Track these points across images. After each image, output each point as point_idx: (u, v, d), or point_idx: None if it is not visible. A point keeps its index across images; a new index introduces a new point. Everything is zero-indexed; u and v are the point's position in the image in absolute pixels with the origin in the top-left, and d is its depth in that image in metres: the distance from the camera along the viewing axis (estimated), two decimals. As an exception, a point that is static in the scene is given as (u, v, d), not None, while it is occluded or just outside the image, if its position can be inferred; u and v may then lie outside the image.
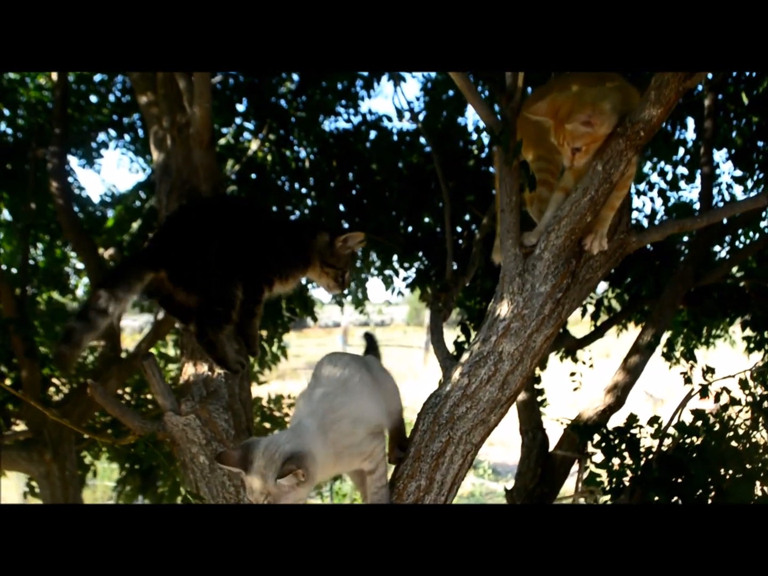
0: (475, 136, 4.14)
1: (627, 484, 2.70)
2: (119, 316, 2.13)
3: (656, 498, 2.54)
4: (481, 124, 4.02)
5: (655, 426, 2.75)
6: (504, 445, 12.32)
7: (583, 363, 4.24)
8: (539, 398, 3.71)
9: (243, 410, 1.97)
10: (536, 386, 3.74)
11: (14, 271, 4.26)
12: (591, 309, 4.25)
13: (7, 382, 4.09)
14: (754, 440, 2.62)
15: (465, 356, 1.85)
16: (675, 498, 2.54)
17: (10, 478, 9.69)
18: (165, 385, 1.87)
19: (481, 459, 11.87)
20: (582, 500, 3.05)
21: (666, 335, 4.27)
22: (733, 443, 2.59)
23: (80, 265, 5.03)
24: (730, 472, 2.53)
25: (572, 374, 4.07)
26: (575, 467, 3.18)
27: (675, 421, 2.70)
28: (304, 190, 4.46)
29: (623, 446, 2.79)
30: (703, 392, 2.76)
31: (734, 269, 4.11)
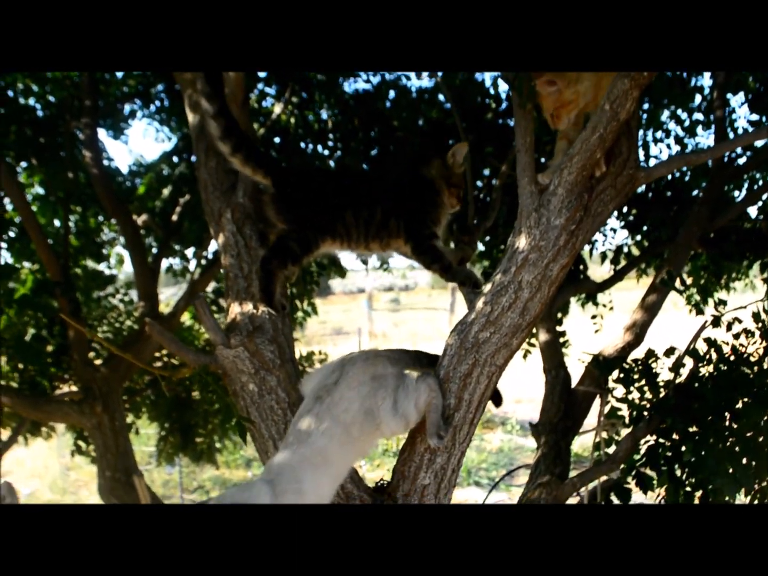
0: (492, 91, 4.26)
1: (646, 415, 2.86)
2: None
3: (672, 424, 2.70)
4: (498, 80, 4.14)
5: (672, 357, 2.91)
6: (531, 402, 12.49)
7: (604, 306, 4.40)
8: (561, 339, 3.88)
9: (286, 343, 2.17)
10: (558, 328, 3.91)
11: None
12: (611, 255, 4.39)
13: (50, 348, 4.34)
14: (765, 367, 2.77)
15: (487, 287, 2.02)
16: (690, 423, 2.70)
17: (51, 447, 10.05)
18: (215, 322, 2.07)
19: (509, 416, 12.08)
20: (604, 433, 3.21)
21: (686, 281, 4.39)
22: (746, 370, 2.74)
23: (112, 235, 5.23)
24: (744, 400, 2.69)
25: (593, 317, 4.23)
26: (597, 402, 3.34)
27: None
28: (326, 152, 4.60)
29: (642, 380, 2.95)
30: (716, 322, 2.90)
31: (752, 212, 4.21)
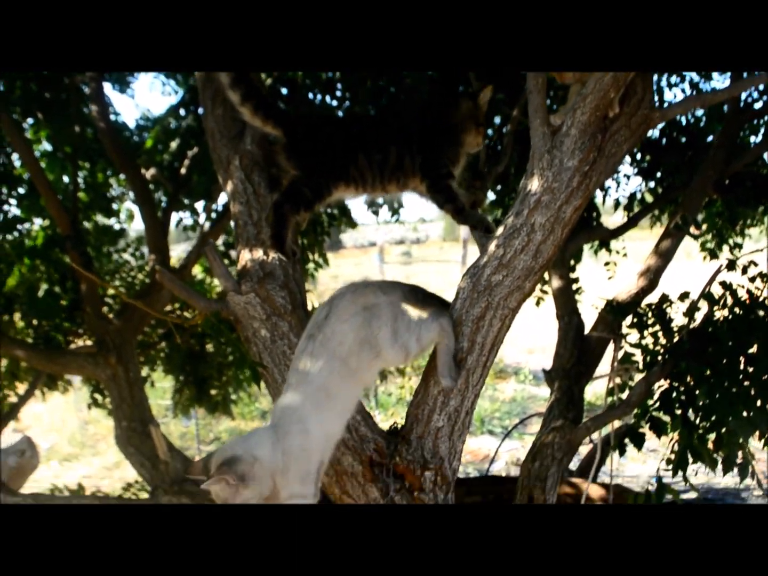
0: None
1: (659, 360, 2.86)
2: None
3: (686, 368, 2.70)
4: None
5: (686, 301, 2.90)
6: (544, 352, 12.53)
7: (617, 253, 4.37)
8: (574, 286, 3.86)
9: (297, 289, 2.17)
10: (571, 275, 3.89)
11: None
12: (624, 202, 4.35)
13: (63, 303, 4.37)
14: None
15: (500, 229, 2.00)
16: (705, 367, 2.70)
17: (69, 402, 10.18)
18: (225, 269, 2.06)
19: (522, 366, 12.13)
20: (617, 378, 3.21)
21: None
22: (761, 313, 2.72)
23: (121, 190, 5.21)
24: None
25: (606, 264, 4.21)
26: (610, 348, 3.33)
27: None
28: (335, 102, 4.54)
29: (656, 325, 2.94)
30: (731, 266, 2.88)
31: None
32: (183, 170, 4.50)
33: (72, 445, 9.82)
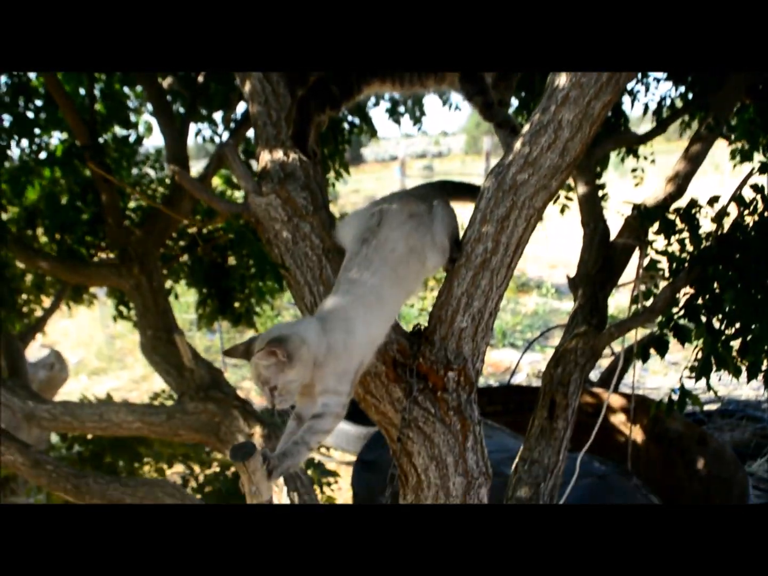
0: None
1: (686, 267, 2.82)
2: None
3: (713, 273, 2.66)
4: None
5: (715, 206, 2.84)
6: (567, 266, 12.49)
7: (645, 159, 4.27)
8: (600, 193, 3.79)
9: (319, 189, 2.13)
10: (597, 182, 3.81)
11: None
12: (653, 107, 4.22)
13: (85, 216, 4.37)
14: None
15: (526, 127, 1.94)
16: (732, 273, 2.66)
17: (95, 318, 10.33)
18: (245, 169, 2.03)
19: (545, 279, 12.13)
20: (642, 286, 3.18)
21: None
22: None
23: (137, 102, 5.14)
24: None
25: (633, 170, 4.11)
26: (635, 255, 3.29)
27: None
28: None
29: (683, 231, 2.89)
30: (763, 169, 2.80)
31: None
32: (200, 79, 4.42)
33: (100, 360, 10.03)
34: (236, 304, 5.15)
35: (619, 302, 9.29)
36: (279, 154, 2.12)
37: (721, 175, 16.51)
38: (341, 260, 2.02)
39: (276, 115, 2.23)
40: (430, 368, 1.94)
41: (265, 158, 2.14)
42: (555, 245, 14.84)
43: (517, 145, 1.93)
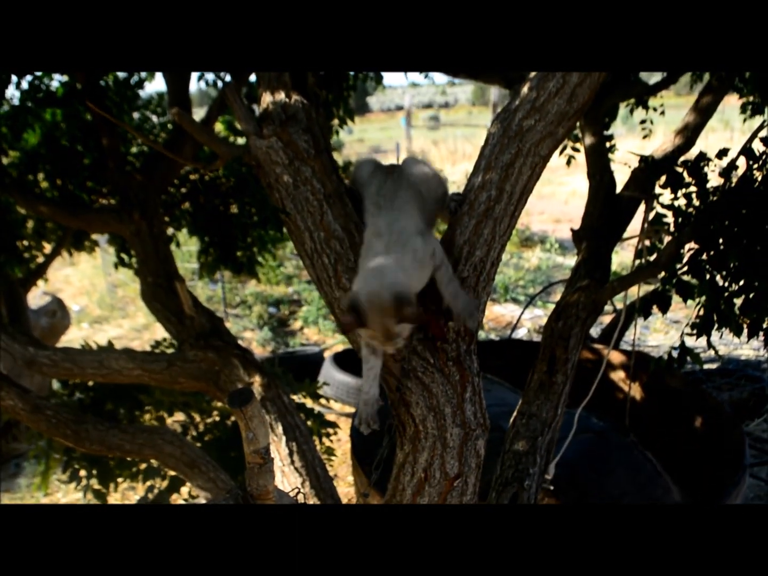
0: None
1: (692, 221, 2.78)
2: None
3: (719, 228, 2.63)
4: None
5: (724, 160, 2.80)
6: (572, 222, 12.43)
7: (654, 110, 4.19)
8: (608, 144, 3.73)
9: (321, 133, 2.09)
10: (605, 132, 3.75)
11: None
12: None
13: (86, 161, 4.31)
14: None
15: (532, 72, 1.90)
16: (738, 228, 2.62)
17: (97, 267, 10.34)
18: (247, 111, 1.99)
19: (548, 234, 12.09)
20: (647, 241, 3.15)
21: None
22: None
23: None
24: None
25: (642, 122, 4.04)
26: (641, 209, 3.25)
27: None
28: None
29: (691, 185, 2.85)
30: (775, 121, 2.75)
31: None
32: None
33: (101, 308, 10.05)
34: (238, 254, 5.12)
35: (622, 258, 9.27)
36: (281, 96, 2.07)
37: (731, 131, 16.39)
38: (342, 206, 2.00)
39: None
40: (431, 318, 1.92)
41: (267, 100, 2.10)
42: (559, 200, 14.79)
43: (524, 89, 1.90)
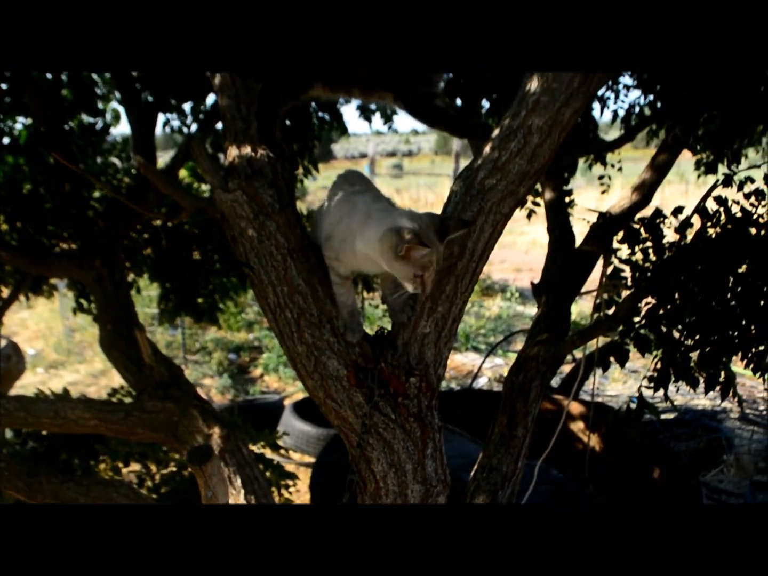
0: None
1: (649, 276, 2.84)
2: None
3: (675, 283, 2.69)
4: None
5: (679, 217, 2.87)
6: (531, 271, 12.63)
7: (612, 166, 4.30)
8: (567, 199, 3.81)
9: (286, 187, 2.10)
10: (564, 187, 3.83)
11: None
12: (622, 114, 4.25)
13: (47, 205, 4.28)
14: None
15: (495, 131, 1.94)
16: (694, 283, 2.68)
17: (55, 310, 10.16)
18: (212, 164, 2.00)
19: (509, 283, 12.22)
20: (605, 294, 3.21)
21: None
22: (753, 231, 2.69)
23: (105, 89, 5.05)
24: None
25: (600, 177, 4.13)
26: (600, 263, 3.32)
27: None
28: None
29: (647, 240, 2.92)
30: (727, 181, 2.83)
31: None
32: (171, 69, 4.36)
33: (58, 353, 9.87)
34: (199, 300, 5.09)
35: (582, 309, 9.38)
36: (247, 150, 2.09)
37: (686, 184, 16.83)
38: (306, 260, 2.01)
39: (246, 109, 2.20)
40: (392, 373, 1.92)
41: (233, 153, 2.11)
42: (520, 250, 14.99)
43: (486, 149, 1.93)
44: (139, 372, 3.37)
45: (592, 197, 4.25)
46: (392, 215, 1.77)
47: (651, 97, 4.18)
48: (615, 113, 4.20)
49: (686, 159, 4.57)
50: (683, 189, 16.59)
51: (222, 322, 9.08)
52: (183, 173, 4.94)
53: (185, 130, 4.81)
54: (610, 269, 3.14)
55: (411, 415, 1.91)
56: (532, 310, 9.81)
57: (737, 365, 2.88)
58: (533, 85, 1.87)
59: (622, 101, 4.32)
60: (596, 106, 4.10)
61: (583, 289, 3.49)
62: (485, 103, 4.00)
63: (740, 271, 2.64)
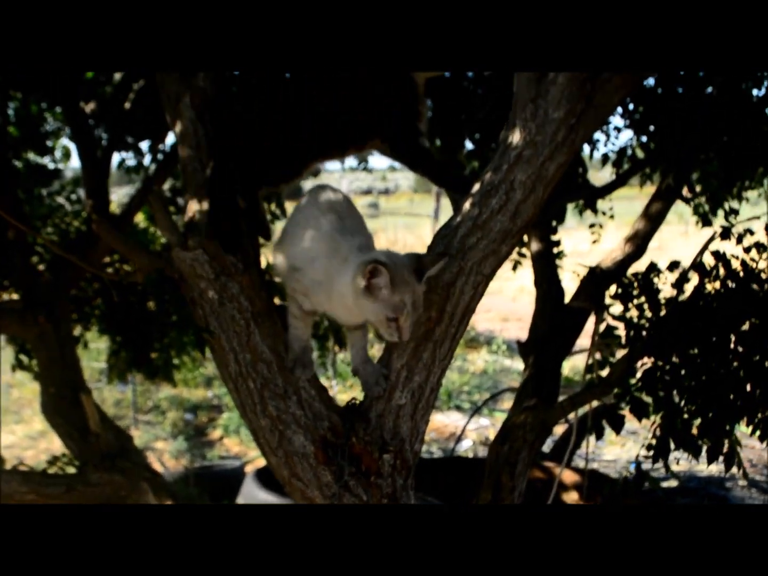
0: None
1: (644, 335, 2.88)
2: None
3: (672, 344, 2.73)
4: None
5: (675, 272, 2.92)
6: (519, 321, 12.64)
7: (603, 214, 4.37)
8: (555, 250, 3.88)
9: (251, 246, 2.14)
10: (552, 238, 3.90)
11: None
12: (613, 158, 4.34)
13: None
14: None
15: (476, 186, 1.99)
16: (692, 344, 2.73)
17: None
18: (171, 221, 2.03)
19: (495, 335, 12.22)
20: (597, 354, 3.25)
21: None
22: (755, 287, 2.75)
23: (57, 125, 5.09)
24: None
25: (591, 226, 4.20)
26: (591, 320, 3.36)
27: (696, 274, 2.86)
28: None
29: (642, 296, 2.96)
30: (725, 234, 2.90)
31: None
32: (127, 104, 4.41)
33: (-7, 412, 9.72)
34: (153, 356, 5.06)
35: (574, 363, 9.41)
36: (209, 204, 2.12)
37: (685, 225, 16.94)
38: (271, 325, 2.03)
39: (208, 161, 2.23)
40: (364, 449, 1.94)
41: (194, 208, 2.14)
42: (507, 297, 15.05)
43: (466, 205, 1.98)
44: (83, 440, 3.35)
45: (584, 239, 4.32)
46: (370, 255, 1.79)
47: (644, 138, 4.28)
48: (605, 156, 4.29)
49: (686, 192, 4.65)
50: (682, 230, 16.74)
51: (177, 379, 8.99)
52: (139, 216, 4.96)
53: (142, 170, 4.85)
54: (602, 327, 3.18)
55: (384, 496, 1.93)
56: (520, 364, 9.82)
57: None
58: (515, 137, 1.93)
59: (613, 144, 4.39)
60: (586, 147, 4.19)
61: (574, 348, 3.53)
62: (468, 144, 4.08)
63: (742, 329, 2.68)
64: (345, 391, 9.09)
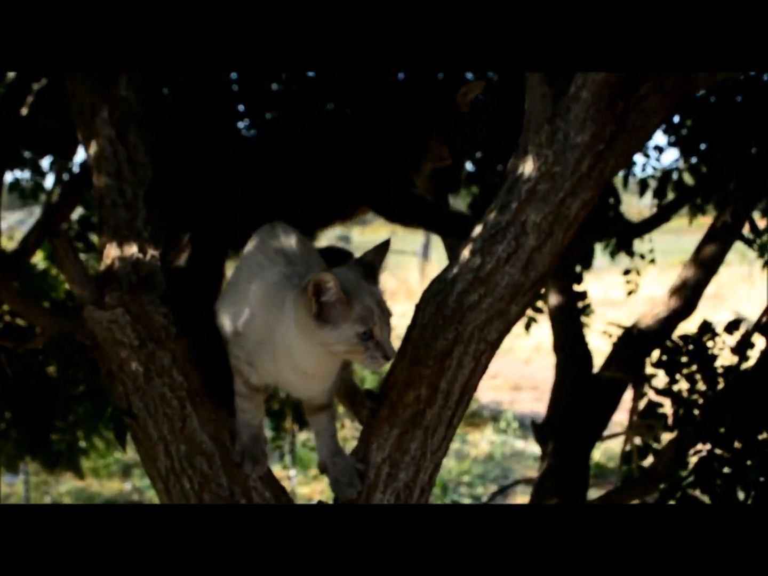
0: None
1: (697, 414, 2.90)
2: None
3: (734, 427, 2.76)
4: None
5: (736, 333, 2.95)
6: (535, 390, 12.55)
7: (642, 257, 4.38)
8: (580, 304, 3.89)
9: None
10: (576, 287, 3.91)
11: None
12: (654, 184, 4.35)
13: None
14: None
15: (477, 229, 2.01)
16: (760, 427, 2.75)
17: None
18: (82, 270, 2.03)
19: (504, 408, 12.11)
20: (637, 439, 3.26)
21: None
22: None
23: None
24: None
25: (626, 272, 4.22)
26: (628, 394, 3.37)
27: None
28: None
29: (693, 365, 2.97)
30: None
31: None
32: (24, 110, 4.44)
33: None
34: (54, 437, 5.02)
35: (608, 446, 9.38)
36: (132, 249, 2.12)
37: (748, 266, 16.79)
38: (212, 407, 2.05)
39: (131, 191, 2.23)
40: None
41: (113, 254, 2.14)
42: (519, 358, 14.96)
43: (465, 253, 2.01)
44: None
45: (617, 284, 4.30)
46: (304, 281, 1.80)
47: (693, 159, 4.28)
48: (644, 183, 4.29)
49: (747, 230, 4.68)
50: (745, 273, 16.62)
51: (85, 468, 8.90)
52: (39, 255, 4.97)
53: (43, 194, 4.86)
54: (642, 403, 3.19)
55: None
56: (535, 447, 9.81)
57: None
58: (527, 167, 1.95)
59: (654, 167, 4.38)
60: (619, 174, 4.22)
61: (607, 432, 3.54)
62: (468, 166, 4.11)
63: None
64: (307, 483, 9.02)
